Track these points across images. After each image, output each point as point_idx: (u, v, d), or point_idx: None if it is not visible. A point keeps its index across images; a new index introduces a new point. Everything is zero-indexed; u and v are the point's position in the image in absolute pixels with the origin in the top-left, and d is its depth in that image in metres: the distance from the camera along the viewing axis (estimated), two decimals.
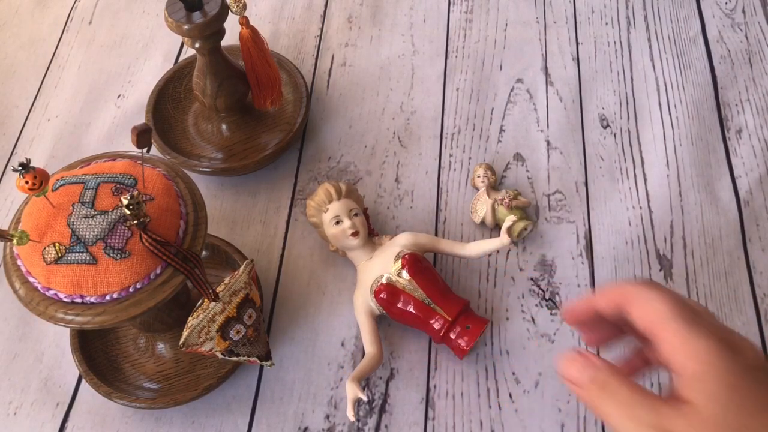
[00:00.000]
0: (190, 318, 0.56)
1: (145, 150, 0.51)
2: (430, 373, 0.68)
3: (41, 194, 0.48)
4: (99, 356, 0.67)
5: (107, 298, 0.50)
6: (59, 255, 0.50)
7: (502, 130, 0.83)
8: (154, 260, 0.51)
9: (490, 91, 0.86)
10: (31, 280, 0.51)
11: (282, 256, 0.75)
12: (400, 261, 0.66)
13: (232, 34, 0.74)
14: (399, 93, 0.87)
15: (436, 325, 0.64)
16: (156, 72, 0.89)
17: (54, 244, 0.50)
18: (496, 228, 0.75)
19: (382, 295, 0.65)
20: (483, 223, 0.75)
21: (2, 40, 0.95)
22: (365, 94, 0.87)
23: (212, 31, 0.67)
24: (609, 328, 0.45)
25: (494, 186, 0.77)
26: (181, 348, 0.56)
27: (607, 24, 0.92)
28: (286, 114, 0.81)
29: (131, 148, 0.57)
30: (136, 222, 0.49)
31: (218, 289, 0.57)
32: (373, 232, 0.72)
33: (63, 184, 0.53)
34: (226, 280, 0.58)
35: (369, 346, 0.65)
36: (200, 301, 0.57)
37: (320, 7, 0.95)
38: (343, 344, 0.69)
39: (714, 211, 0.76)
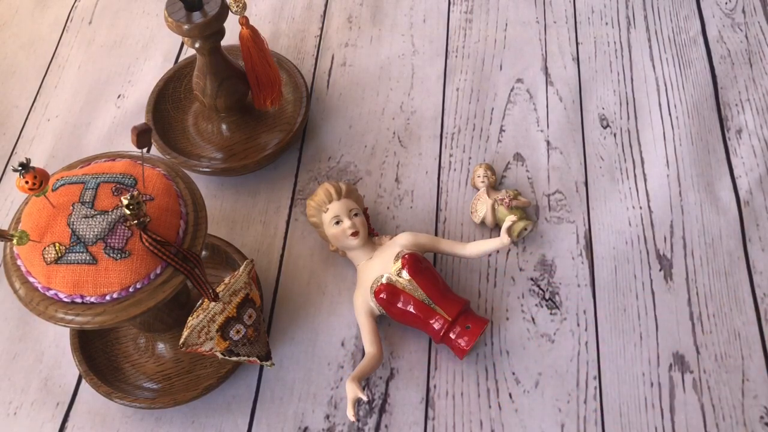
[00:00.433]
0: (190, 318, 0.56)
1: (145, 150, 0.51)
2: (430, 373, 0.68)
3: (41, 194, 0.48)
4: (99, 356, 0.67)
5: (107, 298, 0.50)
6: (59, 255, 0.50)
7: (502, 130, 0.83)
8: (154, 260, 0.51)
9: (490, 91, 0.86)
10: (31, 280, 0.51)
11: (282, 256, 0.75)
12: (400, 261, 0.66)
13: (232, 34, 0.74)
14: (399, 93, 0.87)
15: (436, 325, 0.64)
16: (156, 72, 0.89)
17: (54, 244, 0.50)
18: (496, 228, 0.75)
19: (382, 295, 0.65)
20: (483, 223, 0.75)
21: (2, 40, 0.95)
22: (365, 94, 0.87)
23: (212, 31, 0.67)
24: None
25: (494, 186, 0.77)
26: (181, 348, 0.56)
27: (607, 24, 0.92)
28: (286, 114, 0.81)
29: (131, 148, 0.57)
30: (136, 222, 0.48)
31: (218, 289, 0.57)
32: (373, 232, 0.72)
33: (63, 184, 0.53)
34: (226, 280, 0.58)
35: (369, 346, 0.65)
36: (200, 301, 0.57)
37: (320, 7, 0.95)
38: (343, 344, 0.69)
39: (714, 211, 0.76)
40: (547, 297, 0.72)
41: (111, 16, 0.96)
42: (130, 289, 0.50)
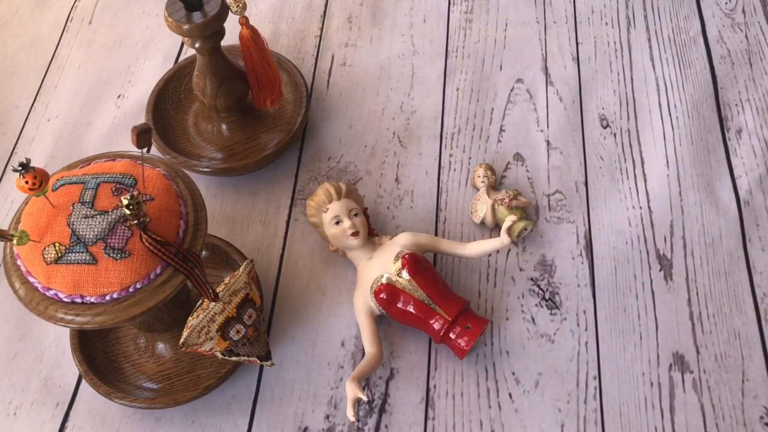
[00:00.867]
0: (190, 318, 0.56)
1: (145, 150, 0.51)
2: (430, 373, 0.68)
3: (41, 194, 0.48)
4: (99, 356, 0.67)
5: (107, 298, 0.50)
6: (59, 255, 0.50)
7: (502, 130, 0.83)
8: (154, 260, 0.51)
9: (490, 91, 0.86)
10: (31, 280, 0.51)
11: (282, 256, 0.75)
12: (400, 261, 0.66)
13: (232, 34, 0.74)
14: (399, 93, 0.87)
15: (436, 325, 0.64)
16: (156, 72, 0.89)
17: (54, 244, 0.50)
18: (496, 228, 0.75)
19: (382, 295, 0.65)
20: (483, 223, 0.75)
21: (2, 40, 0.95)
22: (365, 94, 0.87)
23: (212, 31, 0.67)
24: None
25: (494, 186, 0.77)
26: (181, 348, 0.56)
27: (607, 24, 0.92)
28: (286, 114, 0.81)
29: (131, 148, 0.57)
30: (136, 222, 0.48)
31: (218, 289, 0.57)
32: (373, 232, 0.72)
33: (63, 184, 0.53)
34: (226, 280, 0.58)
35: (369, 346, 0.65)
36: (200, 301, 0.57)
37: (320, 7, 0.95)
38: (343, 344, 0.69)
39: (714, 211, 0.76)
40: (547, 297, 0.72)
41: (111, 16, 0.96)
42: (130, 289, 0.50)
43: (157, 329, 0.63)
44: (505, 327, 0.70)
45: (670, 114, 0.84)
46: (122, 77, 0.90)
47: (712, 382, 0.67)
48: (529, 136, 0.82)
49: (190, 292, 0.66)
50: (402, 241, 0.68)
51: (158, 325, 0.62)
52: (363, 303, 0.67)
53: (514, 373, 0.67)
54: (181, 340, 0.55)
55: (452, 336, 0.64)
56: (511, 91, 0.86)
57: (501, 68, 0.88)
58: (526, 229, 0.73)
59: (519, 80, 0.87)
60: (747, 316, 0.70)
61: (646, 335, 0.69)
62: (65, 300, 0.50)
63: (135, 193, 0.48)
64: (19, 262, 0.51)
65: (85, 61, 0.92)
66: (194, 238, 0.54)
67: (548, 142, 0.82)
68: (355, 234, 0.68)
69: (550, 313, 0.71)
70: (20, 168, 0.46)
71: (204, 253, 0.73)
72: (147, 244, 0.50)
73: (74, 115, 0.87)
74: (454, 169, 0.80)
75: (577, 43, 0.90)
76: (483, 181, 0.76)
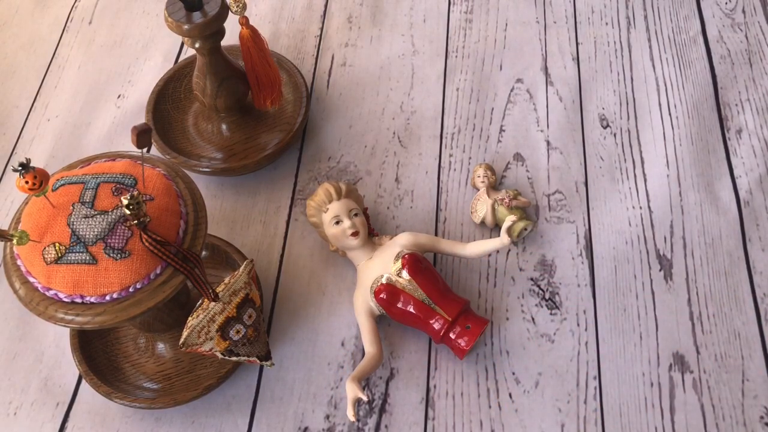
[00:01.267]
0: (190, 318, 0.56)
1: (145, 150, 0.51)
2: (430, 373, 0.68)
3: (41, 194, 0.48)
4: (99, 356, 0.67)
5: (107, 298, 0.50)
6: (59, 255, 0.50)
7: (502, 130, 0.83)
8: (154, 260, 0.51)
9: (490, 91, 0.86)
10: (31, 280, 0.51)
11: (282, 256, 0.75)
12: (400, 261, 0.66)
13: (232, 34, 0.74)
14: (399, 93, 0.87)
15: (436, 325, 0.64)
16: (156, 72, 0.89)
17: (54, 244, 0.50)
18: (496, 228, 0.75)
19: (382, 295, 0.65)
20: (483, 223, 0.75)
21: (2, 40, 0.95)
22: (365, 94, 0.87)
23: (212, 31, 0.67)
24: None
25: (494, 186, 0.77)
26: (181, 348, 0.56)
27: (607, 24, 0.92)
28: (286, 114, 0.81)
29: (131, 148, 0.57)
30: (136, 222, 0.48)
31: (218, 289, 0.57)
32: (373, 232, 0.72)
33: (63, 184, 0.53)
34: (226, 280, 0.58)
35: (369, 346, 0.65)
36: (200, 301, 0.57)
37: (320, 7, 0.95)
38: (343, 344, 0.69)
39: (714, 211, 0.76)
40: (547, 297, 0.72)
41: (111, 16, 0.96)
42: (130, 289, 0.50)
43: (157, 329, 0.63)
44: (505, 327, 0.70)
45: (670, 114, 0.84)
46: (122, 77, 0.90)
47: (712, 382, 0.67)
48: (529, 136, 0.82)
49: (190, 292, 0.66)
50: (402, 241, 0.68)
51: (158, 325, 0.62)
52: (363, 303, 0.67)
53: (514, 373, 0.67)
54: (181, 340, 0.55)
55: (452, 336, 0.64)
56: (511, 91, 0.86)
57: (501, 68, 0.88)
58: (526, 229, 0.73)
59: (519, 80, 0.87)
60: (747, 316, 0.70)
61: (646, 335, 0.69)
62: (65, 300, 0.50)
63: (135, 193, 0.48)
64: (19, 262, 0.51)
65: (85, 61, 0.92)
66: (194, 238, 0.54)
67: (548, 142, 0.82)
68: (355, 234, 0.68)
69: (550, 313, 0.71)
70: (20, 168, 0.46)
71: (204, 253, 0.73)
72: (147, 244, 0.50)
73: (74, 115, 0.87)
74: (454, 169, 0.80)
75: (577, 43, 0.90)
76: (483, 181, 0.76)
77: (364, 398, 0.59)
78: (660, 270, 0.73)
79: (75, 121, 0.86)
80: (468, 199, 0.78)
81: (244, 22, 0.70)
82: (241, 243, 0.76)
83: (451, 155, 0.81)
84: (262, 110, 0.81)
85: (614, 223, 0.76)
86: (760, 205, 0.77)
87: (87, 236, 0.50)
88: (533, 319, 0.70)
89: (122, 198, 0.47)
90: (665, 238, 0.75)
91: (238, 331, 0.57)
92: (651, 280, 0.72)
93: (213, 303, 0.56)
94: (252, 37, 0.71)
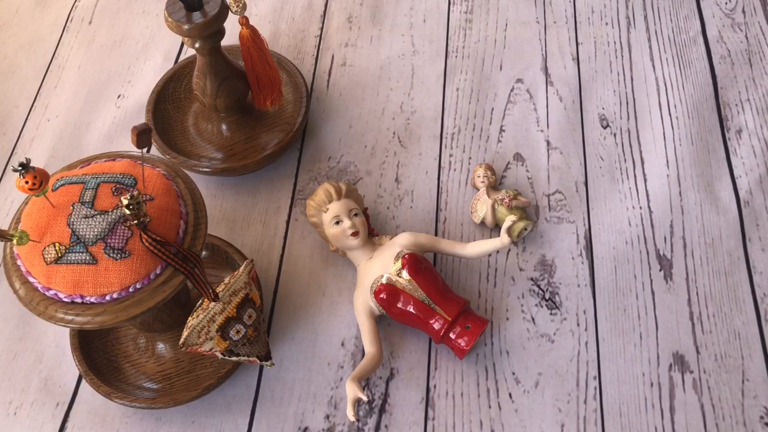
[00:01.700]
0: (190, 318, 0.56)
1: (145, 150, 0.51)
2: (430, 373, 0.68)
3: (41, 194, 0.48)
4: (99, 356, 0.67)
5: (107, 298, 0.50)
6: (59, 255, 0.50)
7: (502, 130, 0.83)
8: (154, 260, 0.51)
9: (490, 91, 0.86)
10: (31, 280, 0.51)
11: (282, 256, 0.75)
12: (400, 261, 0.66)
13: (232, 34, 0.74)
14: (399, 93, 0.87)
15: (436, 325, 0.64)
16: (156, 72, 0.89)
17: (54, 244, 0.50)
18: (496, 228, 0.75)
19: (382, 295, 0.65)
20: (483, 223, 0.75)
21: (2, 40, 0.95)
22: (365, 94, 0.87)
23: (212, 31, 0.67)
24: None
25: (494, 186, 0.77)
26: (181, 348, 0.56)
27: (607, 24, 0.92)
28: (286, 114, 0.81)
29: (131, 148, 0.57)
30: (136, 222, 0.49)
31: (218, 289, 0.57)
32: (373, 232, 0.72)
33: (63, 184, 0.53)
34: (226, 280, 0.58)
35: (369, 346, 0.65)
36: (200, 301, 0.57)
37: (320, 7, 0.95)
38: (343, 344, 0.69)
39: (714, 211, 0.76)
40: (547, 297, 0.72)
41: (111, 16, 0.96)
42: (130, 289, 0.50)
43: (157, 329, 0.63)
44: (505, 327, 0.70)
45: (670, 114, 0.84)
46: (122, 77, 0.90)
47: (712, 382, 0.67)
48: (529, 136, 0.82)
49: (190, 292, 0.66)
50: (402, 241, 0.68)
51: (158, 325, 0.62)
52: (363, 303, 0.67)
53: (514, 373, 0.67)
54: (181, 340, 0.55)
55: (452, 336, 0.64)
56: (511, 91, 0.86)
57: (501, 68, 0.88)
58: (526, 229, 0.73)
59: (519, 80, 0.87)
60: (747, 316, 0.70)
61: (646, 335, 0.69)
62: (65, 300, 0.50)
63: (135, 193, 0.48)
64: (19, 262, 0.51)
65: (85, 61, 0.92)
66: (194, 238, 0.54)
67: (548, 142, 0.82)
68: (355, 234, 0.68)
69: (550, 313, 0.71)
70: (20, 168, 0.46)
71: (204, 253, 0.73)
72: (147, 244, 0.50)
73: (74, 115, 0.87)
74: (454, 169, 0.80)
75: (577, 43, 0.90)
76: (483, 181, 0.76)
77: (364, 398, 0.59)
78: (660, 270, 0.73)
79: (75, 121, 0.86)
80: (468, 199, 0.78)
81: (244, 22, 0.70)
82: (241, 243, 0.76)
83: (451, 155, 0.81)
84: (262, 110, 0.81)
85: (614, 223, 0.76)
86: (760, 205, 0.77)
87: (87, 236, 0.50)
88: (533, 319, 0.70)
89: (122, 198, 0.47)
90: (665, 238, 0.75)
91: (238, 331, 0.57)
92: (651, 280, 0.72)
93: (213, 303, 0.56)
94: (252, 37, 0.71)
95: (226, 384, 0.66)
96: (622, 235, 0.75)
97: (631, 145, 0.81)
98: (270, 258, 0.75)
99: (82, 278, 0.50)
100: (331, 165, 0.81)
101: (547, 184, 0.79)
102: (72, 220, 0.50)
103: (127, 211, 0.47)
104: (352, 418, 0.59)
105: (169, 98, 0.83)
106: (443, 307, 0.64)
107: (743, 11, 0.93)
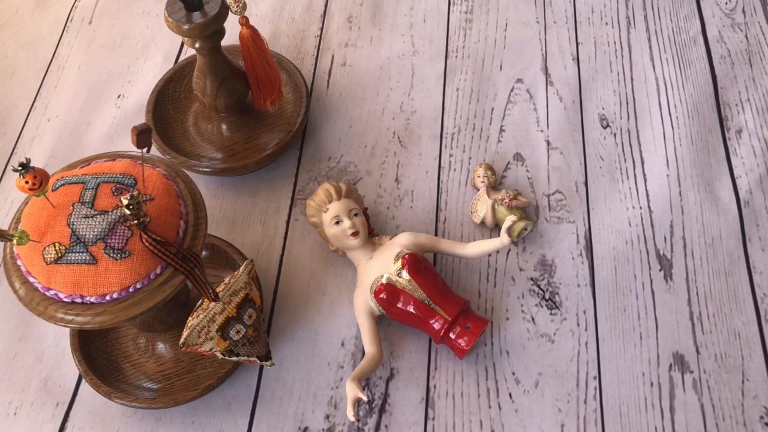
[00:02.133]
0: (190, 318, 0.56)
1: (145, 150, 0.51)
2: (430, 373, 0.68)
3: (41, 194, 0.48)
4: (99, 356, 0.67)
5: (107, 298, 0.50)
6: (59, 255, 0.50)
7: (502, 130, 0.83)
8: (154, 260, 0.51)
9: (490, 91, 0.86)
10: (31, 280, 0.51)
11: (282, 256, 0.75)
12: (400, 261, 0.66)
13: (232, 34, 0.74)
14: (399, 93, 0.87)
15: (436, 325, 0.64)
16: (156, 72, 0.89)
17: (54, 244, 0.50)
18: (496, 228, 0.75)
19: (382, 295, 0.65)
20: (483, 223, 0.75)
21: (2, 40, 0.95)
22: (365, 94, 0.87)
23: (212, 31, 0.67)
24: None
25: (494, 186, 0.77)
26: (181, 348, 0.56)
27: (607, 24, 0.92)
28: (286, 114, 0.81)
29: (131, 148, 0.57)
30: (136, 222, 0.49)
31: (218, 289, 0.57)
32: (373, 232, 0.72)
33: (63, 184, 0.53)
34: (226, 280, 0.58)
35: (369, 346, 0.65)
36: (200, 301, 0.57)
37: (320, 7, 0.95)
38: (343, 344, 0.69)
39: (714, 211, 0.76)
40: (547, 297, 0.72)
41: (111, 16, 0.96)
42: (130, 289, 0.50)
43: (157, 329, 0.63)
44: (505, 327, 0.70)
45: (670, 114, 0.84)
46: (122, 77, 0.90)
47: (712, 382, 0.67)
48: (529, 136, 0.82)
49: (190, 292, 0.66)
50: (402, 241, 0.68)
51: (158, 325, 0.62)
52: (363, 303, 0.67)
53: (514, 373, 0.67)
54: (181, 340, 0.55)
55: (452, 336, 0.64)
56: (511, 91, 0.86)
57: (501, 68, 0.88)
58: (526, 229, 0.73)
59: (519, 80, 0.87)
60: (747, 316, 0.70)
61: (646, 335, 0.69)
62: (65, 300, 0.50)
63: (135, 193, 0.48)
64: (19, 262, 0.51)
65: (85, 61, 0.92)
66: (194, 238, 0.54)
67: (548, 142, 0.82)
68: (355, 234, 0.68)
69: (550, 313, 0.71)
70: (20, 168, 0.46)
71: (204, 253, 0.73)
72: (147, 244, 0.50)
73: (74, 115, 0.87)
74: (454, 169, 0.80)
75: (577, 43, 0.90)
76: (483, 181, 0.76)
77: (364, 398, 0.59)
78: (660, 270, 0.73)
79: (75, 121, 0.86)
80: (468, 199, 0.78)
81: (244, 22, 0.70)
82: (241, 243, 0.76)
83: (451, 155, 0.81)
84: (262, 110, 0.81)
85: (614, 223, 0.76)
86: (760, 205, 0.77)
87: (87, 236, 0.50)
88: (533, 319, 0.70)
89: (122, 198, 0.47)
90: (665, 238, 0.75)
91: (238, 331, 0.57)
92: (651, 280, 0.72)
93: (213, 303, 0.56)
94: (252, 37, 0.71)
95: (226, 384, 0.66)
96: (622, 235, 0.75)
97: (631, 145, 0.81)
98: (270, 258, 0.75)
99: (82, 278, 0.50)
100: (331, 165, 0.81)
101: (547, 184, 0.79)
102: (72, 220, 0.50)
103: (127, 211, 0.47)
104: (352, 418, 0.59)
105: (169, 98, 0.83)
106: (443, 307, 0.64)
107: (743, 11, 0.93)
